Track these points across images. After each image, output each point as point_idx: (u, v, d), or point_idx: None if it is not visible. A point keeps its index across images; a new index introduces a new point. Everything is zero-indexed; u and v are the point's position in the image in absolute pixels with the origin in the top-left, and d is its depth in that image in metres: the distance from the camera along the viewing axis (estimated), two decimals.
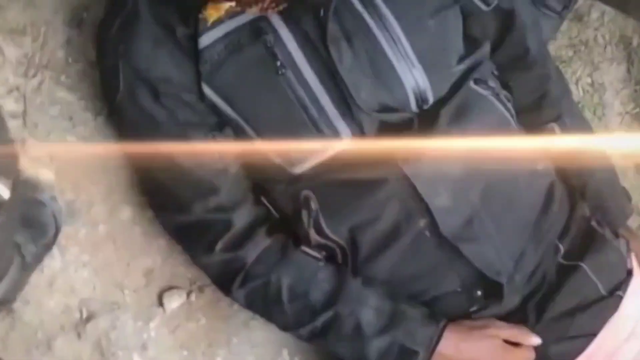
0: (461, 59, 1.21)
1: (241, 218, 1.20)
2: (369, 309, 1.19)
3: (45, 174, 1.30)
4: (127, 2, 1.15)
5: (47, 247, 1.27)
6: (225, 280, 1.22)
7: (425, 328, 1.19)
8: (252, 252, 1.20)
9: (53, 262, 1.29)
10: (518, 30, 1.27)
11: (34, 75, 1.31)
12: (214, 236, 1.19)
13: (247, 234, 1.20)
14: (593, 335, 1.23)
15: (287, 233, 1.23)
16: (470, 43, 1.23)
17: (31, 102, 1.30)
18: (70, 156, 1.32)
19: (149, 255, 1.35)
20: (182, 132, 1.15)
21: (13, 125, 1.29)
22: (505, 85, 1.29)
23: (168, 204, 1.22)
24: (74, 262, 1.30)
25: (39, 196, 1.25)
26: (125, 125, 1.20)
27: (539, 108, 1.33)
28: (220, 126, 1.16)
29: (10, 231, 0.98)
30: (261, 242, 1.20)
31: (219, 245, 1.19)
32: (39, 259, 1.26)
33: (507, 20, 1.26)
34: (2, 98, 1.29)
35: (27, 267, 1.24)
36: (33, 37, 1.31)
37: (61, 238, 1.29)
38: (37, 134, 1.30)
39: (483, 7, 1.23)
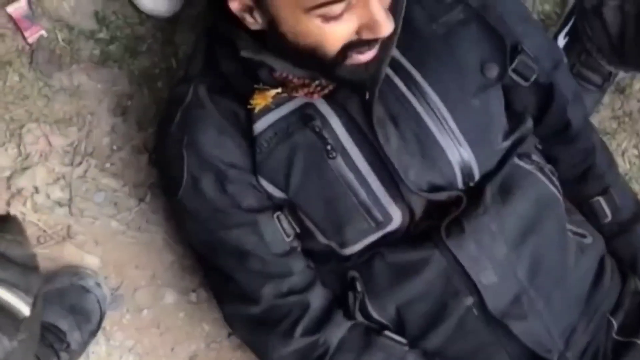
0: (506, 135, 1.20)
1: (317, 298, 1.16)
2: None
3: (90, 260, 1.31)
4: (186, 94, 1.14)
5: (92, 334, 1.27)
6: None
7: None
8: (334, 336, 1.15)
9: (98, 347, 1.30)
10: (558, 104, 1.26)
11: (80, 163, 1.33)
12: (292, 321, 1.14)
13: (327, 316, 1.16)
14: None
15: None
16: (514, 118, 1.22)
17: (77, 189, 1.33)
18: (114, 242, 1.33)
19: (193, 339, 1.34)
20: (248, 219, 1.13)
21: (59, 213, 1.32)
22: (549, 159, 1.27)
23: (238, 295, 1.17)
24: (119, 347, 1.31)
25: (83, 283, 1.27)
26: (189, 218, 1.17)
27: (584, 181, 1.31)
28: (279, 208, 1.15)
29: (32, 348, 0.97)
30: (342, 324, 1.16)
31: (299, 330, 1.14)
32: (84, 345, 1.26)
33: (546, 94, 1.26)
34: (48, 186, 1.32)
35: (73, 354, 1.24)
36: (79, 126, 1.35)
37: (106, 323, 1.30)
38: (82, 221, 1.32)
39: (522, 82, 1.22)
